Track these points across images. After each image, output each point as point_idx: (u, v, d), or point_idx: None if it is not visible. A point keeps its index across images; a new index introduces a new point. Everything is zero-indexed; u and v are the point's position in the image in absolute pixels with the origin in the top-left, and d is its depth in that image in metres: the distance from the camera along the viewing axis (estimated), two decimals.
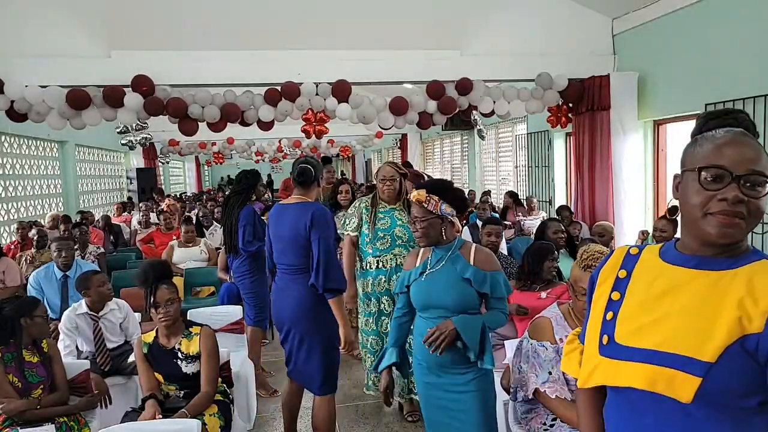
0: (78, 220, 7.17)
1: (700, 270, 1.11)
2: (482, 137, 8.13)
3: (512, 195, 7.74)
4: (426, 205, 2.27)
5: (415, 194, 2.28)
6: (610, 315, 1.18)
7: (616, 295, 1.20)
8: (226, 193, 16.51)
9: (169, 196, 12.60)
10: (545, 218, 6.95)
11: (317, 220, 2.76)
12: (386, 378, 2.45)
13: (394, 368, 2.48)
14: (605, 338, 1.16)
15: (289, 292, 2.86)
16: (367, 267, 3.56)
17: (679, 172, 1.17)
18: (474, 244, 2.37)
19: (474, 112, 6.17)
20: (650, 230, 5.05)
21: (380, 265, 3.51)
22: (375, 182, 3.70)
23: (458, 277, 2.24)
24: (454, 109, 5.85)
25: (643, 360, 1.08)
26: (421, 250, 2.41)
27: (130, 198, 12.41)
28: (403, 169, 3.64)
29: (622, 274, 1.22)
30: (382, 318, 3.56)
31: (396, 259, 3.50)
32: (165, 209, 8.29)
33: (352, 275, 3.62)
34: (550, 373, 2.17)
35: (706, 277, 1.10)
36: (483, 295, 2.27)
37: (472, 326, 2.18)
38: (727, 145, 1.07)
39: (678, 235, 4.73)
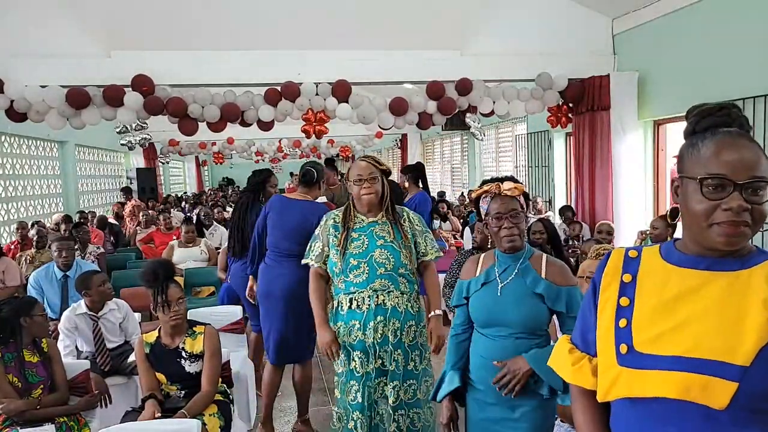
0: (78, 220, 7.18)
1: (713, 272, 1.09)
2: (478, 139, 8.02)
3: None
4: (519, 200, 1.98)
5: (511, 185, 1.98)
6: (623, 322, 1.14)
7: (624, 301, 1.16)
8: (228, 192, 16.54)
9: (166, 197, 12.61)
10: (550, 217, 7.01)
11: None
12: (449, 408, 2.06)
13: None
14: (623, 347, 1.11)
15: (283, 271, 3.22)
16: (338, 308, 2.58)
17: (677, 175, 1.15)
18: (546, 255, 2.04)
19: (468, 115, 6.16)
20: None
21: (353, 305, 2.51)
22: (348, 186, 2.65)
23: (529, 291, 1.93)
24: (453, 109, 5.85)
25: (671, 368, 1.05)
26: (482, 256, 2.08)
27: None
28: (384, 165, 2.67)
29: (627, 278, 1.18)
30: (351, 382, 2.53)
31: (376, 297, 2.49)
32: (129, 210, 8.25)
33: (323, 316, 2.63)
34: None
35: (719, 278, 1.08)
36: (555, 313, 1.96)
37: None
38: (726, 151, 1.05)
39: (677, 234, 4.64)
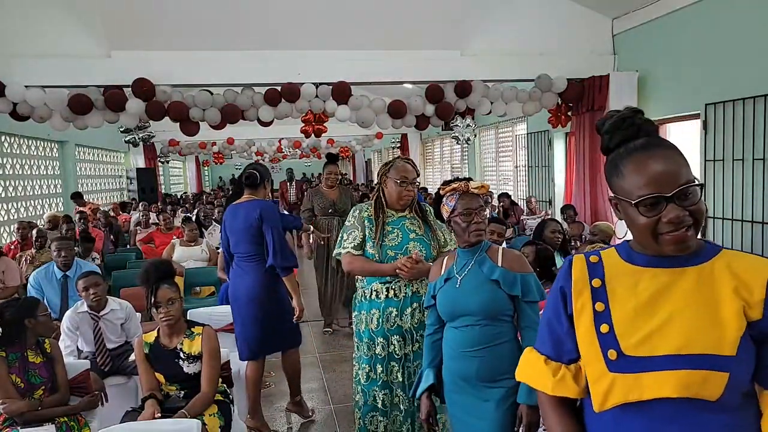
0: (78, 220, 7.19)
1: (678, 268, 1.12)
2: (464, 143, 7.72)
3: (507, 196, 7.90)
4: (483, 198, 2.12)
5: (478, 184, 2.12)
6: (605, 328, 1.14)
7: (600, 306, 1.17)
8: (228, 193, 16.52)
9: (166, 195, 12.58)
10: (546, 217, 7.00)
11: (266, 215, 3.28)
12: (426, 404, 2.16)
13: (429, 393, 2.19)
14: (612, 353, 1.11)
15: (246, 276, 3.35)
16: (372, 296, 2.71)
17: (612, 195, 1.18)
18: (502, 247, 2.15)
19: (458, 117, 6.14)
20: None
21: (390, 293, 2.66)
22: (383, 181, 2.77)
23: (485, 279, 2.03)
24: (451, 113, 5.88)
25: (668, 367, 1.06)
26: (445, 258, 2.21)
27: (133, 198, 12.41)
28: (418, 169, 2.87)
29: (597, 283, 1.19)
30: (392, 363, 2.68)
31: (412, 286, 2.66)
32: (89, 213, 8.03)
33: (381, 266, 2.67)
34: None
35: (687, 273, 1.12)
36: (514, 298, 2.03)
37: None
38: (646, 168, 1.09)
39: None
